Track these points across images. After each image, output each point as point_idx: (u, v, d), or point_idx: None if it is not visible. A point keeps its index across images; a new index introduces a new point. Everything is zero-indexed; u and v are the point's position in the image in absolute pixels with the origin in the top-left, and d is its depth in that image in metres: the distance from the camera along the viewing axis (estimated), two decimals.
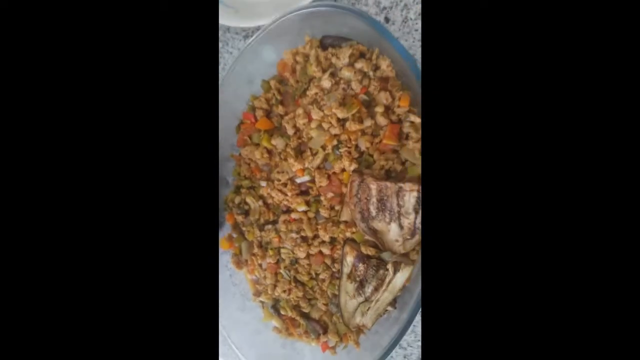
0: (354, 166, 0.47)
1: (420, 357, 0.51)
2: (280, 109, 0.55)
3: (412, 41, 0.52)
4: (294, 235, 0.53)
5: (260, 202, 0.57)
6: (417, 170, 0.44)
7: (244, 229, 0.59)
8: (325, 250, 0.51)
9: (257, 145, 0.57)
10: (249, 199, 0.59)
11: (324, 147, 0.50)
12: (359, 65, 0.47)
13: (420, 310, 0.44)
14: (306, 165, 0.51)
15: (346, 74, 0.48)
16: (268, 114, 0.57)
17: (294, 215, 0.53)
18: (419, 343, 0.50)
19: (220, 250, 0.60)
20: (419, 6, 0.51)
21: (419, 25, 0.51)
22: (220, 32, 0.67)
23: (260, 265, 0.57)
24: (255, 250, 0.57)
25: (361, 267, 0.47)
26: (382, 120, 0.46)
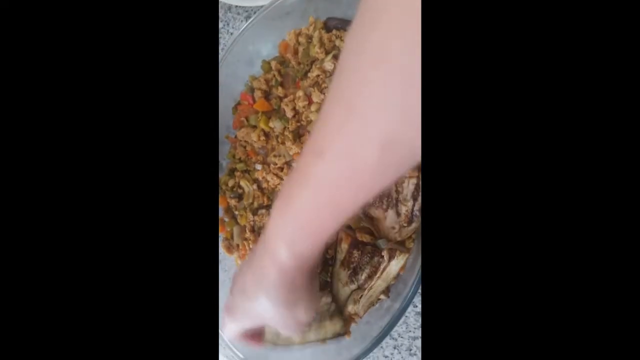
0: None
1: (421, 348, 0.50)
2: (279, 91, 0.53)
3: None
4: None
5: (255, 186, 0.56)
6: None
7: (236, 212, 0.58)
8: None
9: (254, 127, 0.56)
10: (243, 183, 0.57)
11: None
12: None
13: (412, 301, 0.43)
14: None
15: None
16: (267, 95, 0.55)
17: None
18: (410, 334, 0.50)
19: None
20: None
21: None
22: (221, 12, 0.66)
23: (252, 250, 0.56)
24: (248, 234, 0.56)
25: (355, 253, 0.46)
26: None
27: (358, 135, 0.25)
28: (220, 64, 0.57)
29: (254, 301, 0.35)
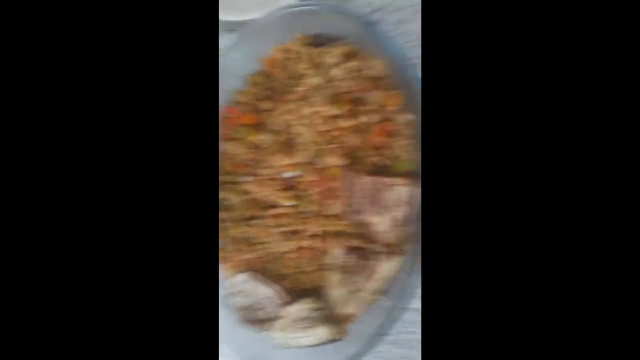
0: (344, 161, 0.49)
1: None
2: (267, 105, 0.55)
3: (404, 41, 0.53)
4: (280, 229, 0.53)
5: (245, 197, 0.57)
6: (408, 165, 0.46)
7: (227, 224, 0.58)
8: (313, 244, 0.51)
9: (241, 139, 0.56)
10: (231, 195, 0.58)
11: (313, 143, 0.51)
12: (350, 64, 0.49)
13: (408, 300, 0.46)
14: (295, 160, 0.52)
15: (337, 72, 0.49)
16: (254, 108, 0.56)
17: (280, 210, 0.54)
18: (407, 329, 0.52)
19: None
20: (413, 7, 0.53)
21: (412, 26, 0.53)
22: None
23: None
24: (239, 246, 0.57)
25: (349, 257, 0.48)
26: (373, 118, 0.48)
27: None
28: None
29: None
